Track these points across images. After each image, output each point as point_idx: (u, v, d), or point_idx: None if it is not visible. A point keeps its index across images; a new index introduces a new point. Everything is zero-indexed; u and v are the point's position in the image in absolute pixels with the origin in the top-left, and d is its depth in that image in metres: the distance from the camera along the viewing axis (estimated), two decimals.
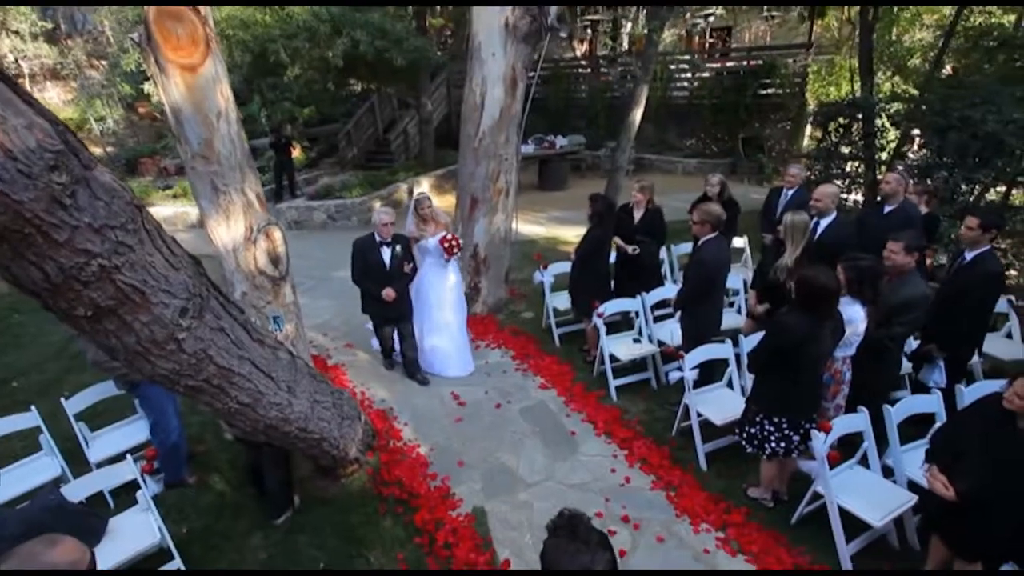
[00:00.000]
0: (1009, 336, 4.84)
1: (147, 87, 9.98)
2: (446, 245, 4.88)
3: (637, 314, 5.12)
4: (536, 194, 12.12)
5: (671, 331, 4.83)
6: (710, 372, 4.30)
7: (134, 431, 3.86)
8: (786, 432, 3.20)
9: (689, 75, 14.22)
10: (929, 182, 6.05)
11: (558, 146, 12.80)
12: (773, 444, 3.25)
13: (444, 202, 11.75)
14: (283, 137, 10.43)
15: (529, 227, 9.32)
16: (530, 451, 4.18)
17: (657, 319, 5.26)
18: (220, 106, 3.11)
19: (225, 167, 3.23)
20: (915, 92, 8.69)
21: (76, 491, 2.94)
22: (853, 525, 3.10)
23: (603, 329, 4.83)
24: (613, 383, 4.80)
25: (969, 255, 3.75)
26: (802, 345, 3.00)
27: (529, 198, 11.10)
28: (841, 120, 8.29)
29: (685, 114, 14.14)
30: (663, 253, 6.02)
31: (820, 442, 3.00)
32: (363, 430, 3.59)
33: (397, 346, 5.26)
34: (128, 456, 3.12)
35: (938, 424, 3.43)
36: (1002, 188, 6.67)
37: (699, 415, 3.98)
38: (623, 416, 4.56)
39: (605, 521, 3.48)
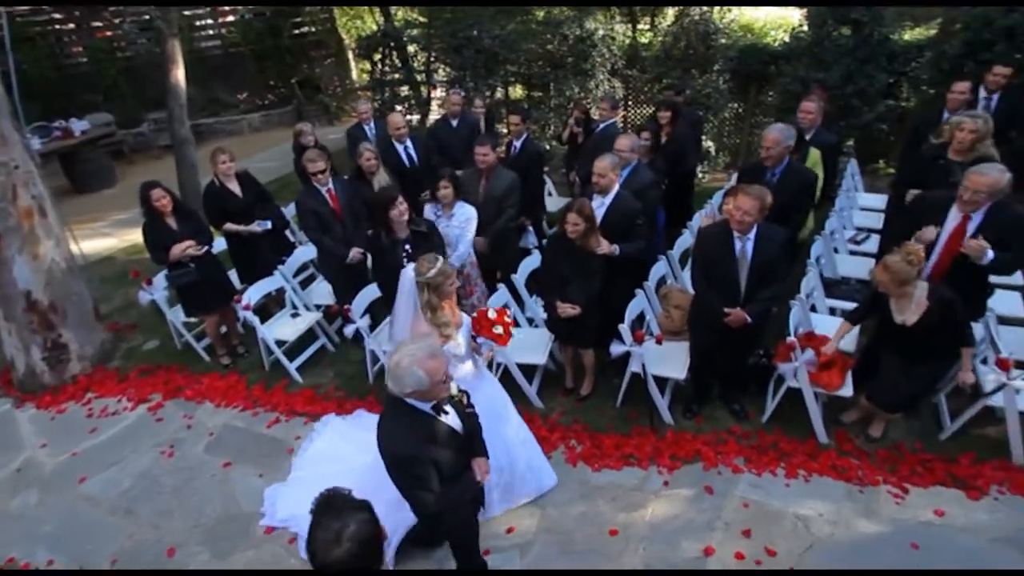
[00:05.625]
0: (550, 194, 6.65)
1: None
2: (493, 329, 2.88)
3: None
4: (76, 200, 9.20)
5: (326, 290, 4.76)
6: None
7: None
8: None
9: (211, 21, 12.67)
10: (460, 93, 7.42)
11: (78, 132, 9.80)
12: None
13: None
14: None
15: (93, 243, 7.18)
16: (241, 483, 3.64)
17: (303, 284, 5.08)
18: None
19: None
20: (424, 19, 10.05)
21: None
22: (527, 372, 3.98)
23: (256, 320, 4.35)
24: (292, 367, 4.50)
25: (517, 143, 4.91)
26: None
27: (70, 207, 8.41)
28: (380, 51, 9.01)
29: (226, 66, 12.72)
30: None
31: None
32: None
33: None
34: None
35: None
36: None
37: (385, 352, 4.18)
38: (319, 392, 4.40)
39: None
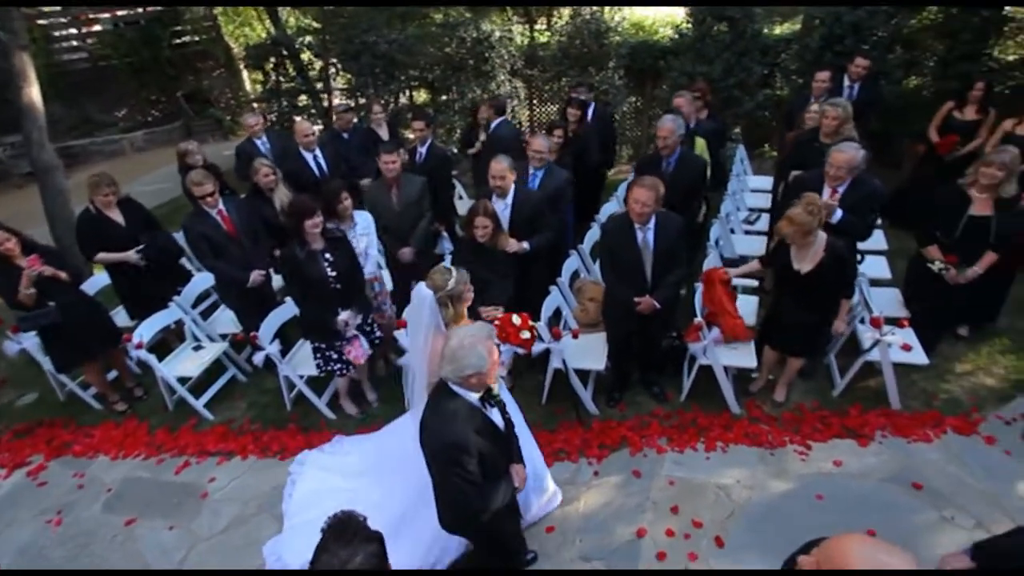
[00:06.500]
0: (461, 198, 6.59)
1: None
2: (520, 335, 2.96)
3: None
4: None
5: (230, 319, 4.46)
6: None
7: None
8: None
9: (74, 31, 11.45)
10: (362, 100, 7.22)
11: None
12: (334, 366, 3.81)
13: None
14: None
15: None
16: (148, 539, 3.32)
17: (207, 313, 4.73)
18: None
19: None
20: (318, 25, 9.65)
21: None
22: None
23: (152, 358, 3.97)
24: (199, 404, 4.16)
25: (422, 149, 4.85)
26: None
27: None
28: (273, 60, 8.55)
29: (97, 81, 11.55)
30: None
31: (405, 336, 3.57)
32: None
33: None
34: None
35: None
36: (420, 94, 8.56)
37: (301, 377, 3.99)
38: (232, 427, 4.11)
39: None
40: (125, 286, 4.36)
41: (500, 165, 3.74)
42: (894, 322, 3.60)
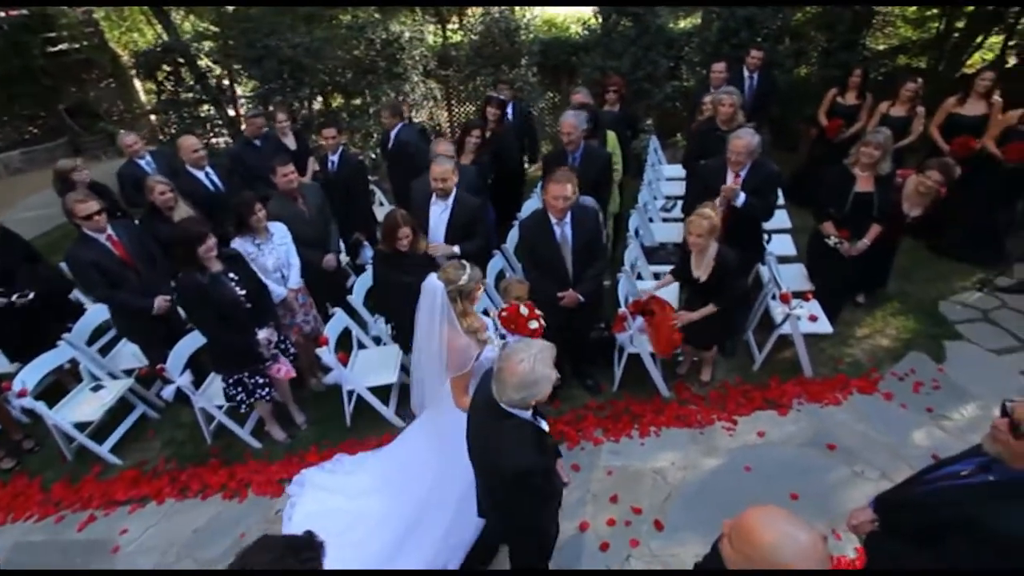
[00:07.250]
0: (382, 204, 6.37)
1: None
2: (528, 325, 2.96)
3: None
4: None
5: (132, 352, 4.10)
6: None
7: None
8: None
9: None
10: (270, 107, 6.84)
11: None
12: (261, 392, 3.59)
13: None
14: None
15: None
16: None
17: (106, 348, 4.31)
18: None
19: None
20: (216, 29, 9.05)
21: None
22: (381, 393, 3.82)
23: (40, 405, 3.55)
24: (103, 449, 3.78)
25: (334, 157, 4.68)
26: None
27: None
28: (167, 67, 7.93)
29: None
30: None
31: (327, 353, 3.40)
32: None
33: None
34: None
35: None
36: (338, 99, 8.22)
37: (220, 408, 3.72)
38: (145, 469, 3.77)
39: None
40: (18, 321, 3.88)
41: (442, 167, 3.67)
42: (801, 296, 3.85)
